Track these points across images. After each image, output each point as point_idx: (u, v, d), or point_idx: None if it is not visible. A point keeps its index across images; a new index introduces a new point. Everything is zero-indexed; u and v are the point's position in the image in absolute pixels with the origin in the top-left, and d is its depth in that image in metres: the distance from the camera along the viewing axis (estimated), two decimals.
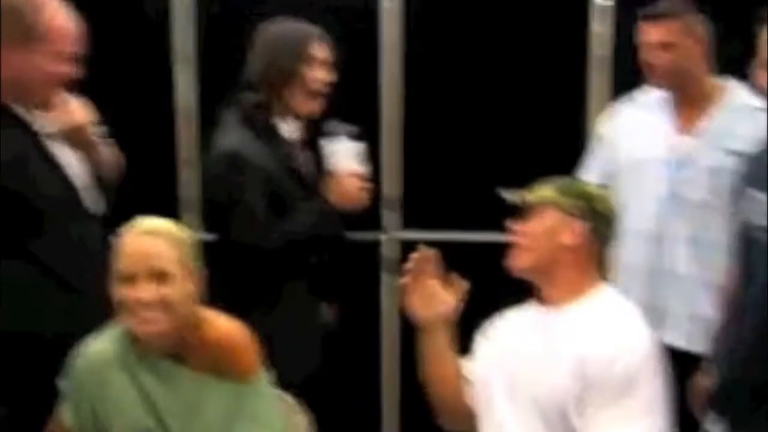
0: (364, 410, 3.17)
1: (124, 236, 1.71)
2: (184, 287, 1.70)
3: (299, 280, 2.39)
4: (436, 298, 1.87)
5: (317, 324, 2.48)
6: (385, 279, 3.09)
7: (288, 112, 2.35)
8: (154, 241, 1.69)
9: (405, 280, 1.88)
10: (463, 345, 1.97)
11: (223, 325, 1.76)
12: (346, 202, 2.30)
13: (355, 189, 2.30)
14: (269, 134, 2.33)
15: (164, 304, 1.67)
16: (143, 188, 2.70)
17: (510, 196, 1.88)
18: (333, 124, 2.32)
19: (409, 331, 1.95)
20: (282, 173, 2.31)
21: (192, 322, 1.72)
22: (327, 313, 2.56)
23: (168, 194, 2.64)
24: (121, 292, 1.68)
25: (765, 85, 1.86)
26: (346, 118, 2.35)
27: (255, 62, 2.34)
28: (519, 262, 1.83)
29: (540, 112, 2.98)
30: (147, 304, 1.66)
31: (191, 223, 2.86)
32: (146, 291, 1.65)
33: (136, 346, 1.75)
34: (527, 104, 2.99)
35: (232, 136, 2.31)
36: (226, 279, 2.25)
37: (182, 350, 1.72)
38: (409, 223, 3.11)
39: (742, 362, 1.86)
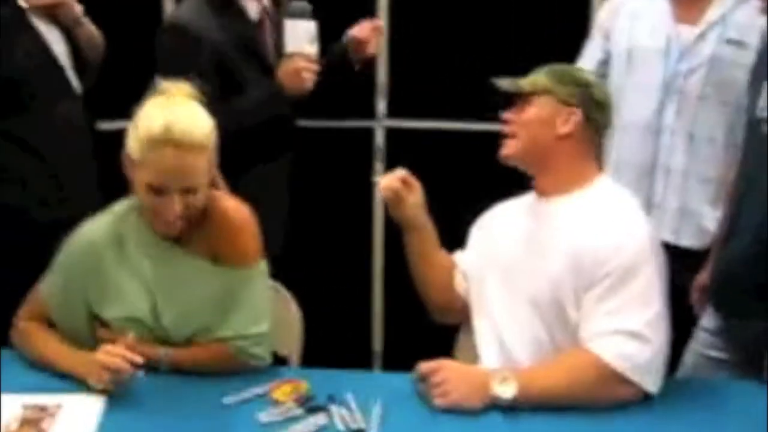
0: (355, 301, 3.18)
1: (160, 146, 1.60)
2: (205, 189, 1.68)
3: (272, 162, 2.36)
4: (400, 199, 1.84)
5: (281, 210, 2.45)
6: (378, 168, 3.04)
7: None
8: (191, 158, 1.62)
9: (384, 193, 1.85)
10: (456, 236, 1.96)
11: (230, 206, 1.75)
12: (293, 83, 2.23)
13: (301, 70, 2.22)
14: (229, 9, 2.26)
15: (189, 211, 1.66)
16: (125, 69, 2.63)
17: (503, 84, 1.83)
18: (293, 4, 2.24)
19: None
20: (236, 50, 2.24)
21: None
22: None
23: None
24: (150, 198, 1.64)
25: None
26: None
27: None
28: (512, 151, 1.79)
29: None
30: (175, 214, 1.64)
31: None
32: (177, 203, 1.63)
33: (139, 226, 1.73)
34: None
35: (185, 7, 2.26)
36: None
37: (184, 232, 1.71)
38: (395, 111, 3.04)
39: (741, 260, 1.86)
